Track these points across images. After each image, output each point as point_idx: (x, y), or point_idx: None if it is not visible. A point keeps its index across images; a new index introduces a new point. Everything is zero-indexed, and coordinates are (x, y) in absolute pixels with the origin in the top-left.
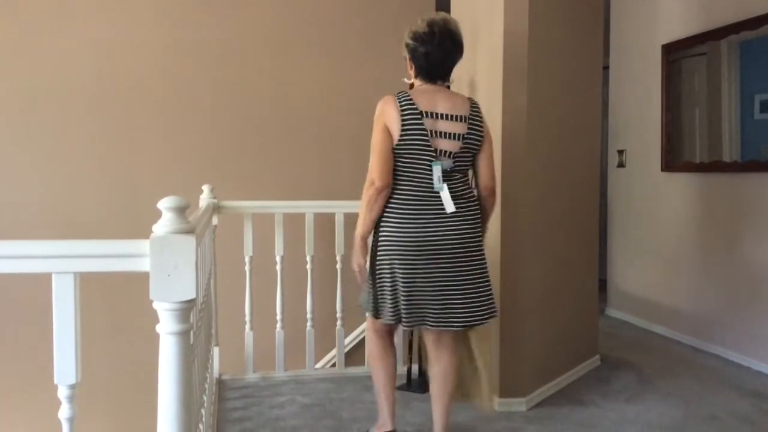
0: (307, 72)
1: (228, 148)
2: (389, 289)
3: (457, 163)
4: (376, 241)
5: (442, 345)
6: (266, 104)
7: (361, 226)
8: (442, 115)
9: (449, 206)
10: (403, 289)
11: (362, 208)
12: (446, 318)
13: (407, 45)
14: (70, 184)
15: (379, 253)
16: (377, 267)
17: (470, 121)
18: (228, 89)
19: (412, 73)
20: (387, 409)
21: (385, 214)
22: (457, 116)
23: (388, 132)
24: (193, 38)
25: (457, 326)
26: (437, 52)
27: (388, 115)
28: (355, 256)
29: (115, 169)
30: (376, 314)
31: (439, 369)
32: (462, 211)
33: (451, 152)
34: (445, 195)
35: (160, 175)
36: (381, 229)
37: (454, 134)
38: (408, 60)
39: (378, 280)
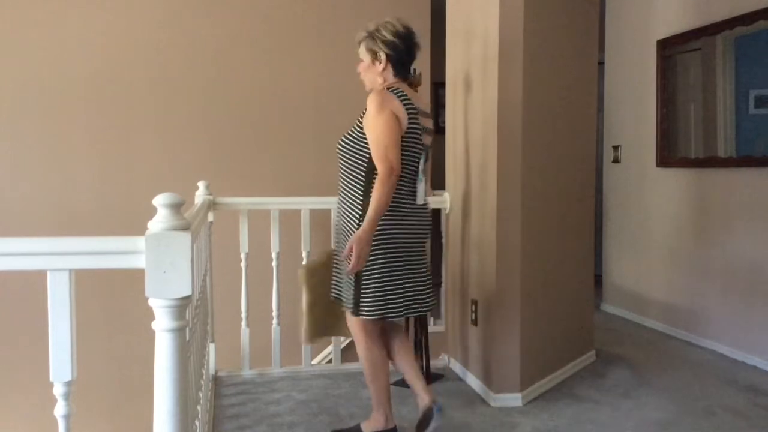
0: (303, 68)
1: (224, 145)
2: (377, 283)
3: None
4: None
5: (395, 324)
6: (262, 101)
7: (378, 217)
8: (422, 111)
9: (421, 198)
10: (398, 280)
11: (382, 197)
12: (422, 303)
13: (389, 42)
14: (65, 181)
15: (375, 248)
16: (372, 263)
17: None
18: (224, 86)
19: (386, 72)
20: (390, 407)
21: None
22: (427, 112)
23: (399, 121)
24: (189, 35)
25: (425, 309)
26: (414, 48)
27: (395, 107)
28: (365, 245)
29: (111, 166)
30: (364, 312)
31: (400, 344)
32: (426, 204)
33: (427, 146)
34: (422, 187)
35: (155, 172)
36: (379, 223)
37: (429, 129)
38: (384, 58)
39: (372, 276)
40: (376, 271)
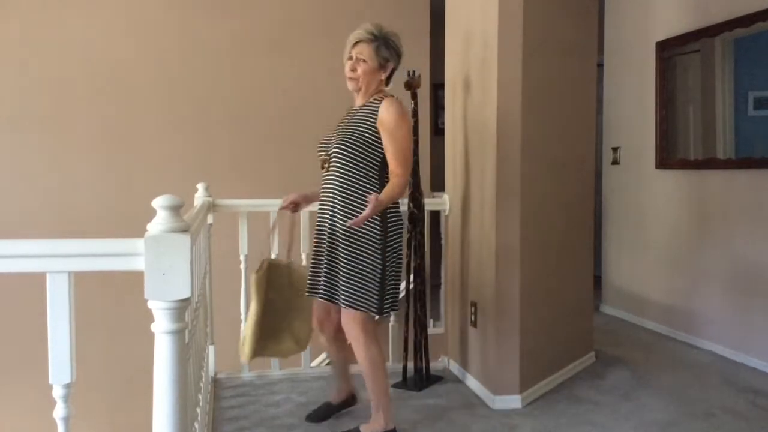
0: (302, 69)
1: (223, 147)
2: (395, 277)
3: None
4: (384, 237)
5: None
6: (262, 103)
7: (387, 205)
8: None
9: None
10: (397, 277)
11: (399, 193)
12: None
13: (401, 55)
14: (64, 182)
15: (394, 244)
16: (393, 257)
17: None
18: (223, 88)
19: (384, 80)
20: (389, 407)
21: (393, 211)
22: None
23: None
24: (189, 37)
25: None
26: None
27: (410, 116)
28: (368, 216)
29: (110, 168)
30: (386, 309)
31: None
32: None
33: None
34: None
35: (154, 174)
36: (390, 223)
37: None
38: (391, 68)
39: (392, 271)
40: (395, 267)
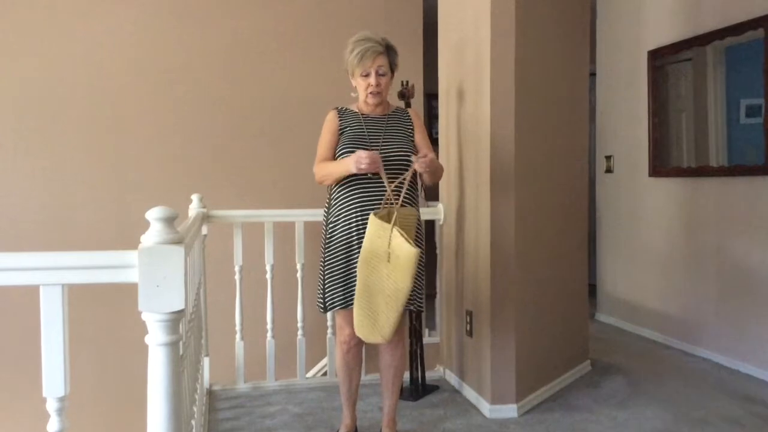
0: (298, 79)
1: (217, 157)
2: None
3: None
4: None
5: None
6: (256, 113)
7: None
8: None
9: None
10: None
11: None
12: None
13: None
14: (57, 194)
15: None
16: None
17: None
18: (218, 98)
19: None
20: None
21: None
22: None
23: None
24: (182, 47)
25: None
26: None
27: None
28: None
29: (104, 179)
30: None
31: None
32: None
33: None
34: None
35: (148, 185)
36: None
37: None
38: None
39: None
40: None
